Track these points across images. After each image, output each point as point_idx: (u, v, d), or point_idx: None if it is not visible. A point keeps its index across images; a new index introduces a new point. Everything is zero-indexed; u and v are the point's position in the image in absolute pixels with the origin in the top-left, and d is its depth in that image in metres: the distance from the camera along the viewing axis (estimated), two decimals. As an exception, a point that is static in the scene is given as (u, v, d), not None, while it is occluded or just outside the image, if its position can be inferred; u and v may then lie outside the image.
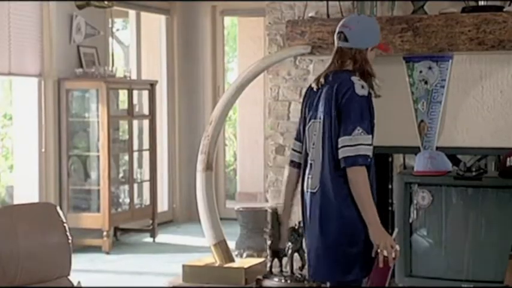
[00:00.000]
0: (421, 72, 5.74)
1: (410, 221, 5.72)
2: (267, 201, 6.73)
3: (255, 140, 10.77)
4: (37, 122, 7.83)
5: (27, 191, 7.81)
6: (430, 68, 5.73)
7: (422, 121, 5.78)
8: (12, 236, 4.10)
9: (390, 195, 5.96)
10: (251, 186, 10.85)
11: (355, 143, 3.74)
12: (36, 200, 7.68)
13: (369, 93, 3.86)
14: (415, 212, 5.74)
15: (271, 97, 6.38)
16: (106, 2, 8.20)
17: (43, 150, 7.85)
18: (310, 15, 5.97)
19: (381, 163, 6.10)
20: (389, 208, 5.97)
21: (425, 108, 5.76)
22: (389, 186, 5.93)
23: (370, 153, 3.79)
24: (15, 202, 7.79)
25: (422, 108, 5.77)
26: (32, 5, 7.68)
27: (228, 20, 10.93)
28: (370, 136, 3.81)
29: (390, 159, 6.04)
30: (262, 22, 8.73)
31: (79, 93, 8.17)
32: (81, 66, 8.16)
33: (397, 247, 3.69)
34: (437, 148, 5.77)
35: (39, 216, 4.33)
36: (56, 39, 7.90)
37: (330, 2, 5.87)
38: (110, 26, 8.88)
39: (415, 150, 5.83)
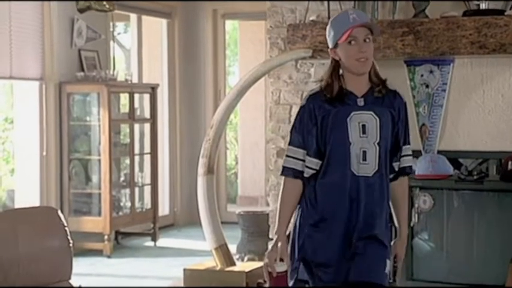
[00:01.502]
0: (422, 75, 5.74)
1: (412, 224, 5.72)
2: (268, 205, 6.73)
3: (256, 144, 10.77)
4: (38, 126, 7.83)
5: (28, 194, 7.80)
6: (431, 71, 5.73)
7: (423, 125, 5.77)
8: (13, 240, 4.10)
9: (391, 198, 5.95)
10: (252, 190, 10.85)
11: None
12: (37, 203, 7.67)
13: (307, 104, 3.62)
14: (416, 215, 5.74)
15: (272, 101, 6.38)
16: (107, 6, 8.21)
17: (44, 153, 7.85)
18: (311, 18, 5.98)
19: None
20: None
21: (426, 112, 5.76)
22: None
23: (290, 165, 3.64)
24: (16, 206, 7.79)
25: (423, 111, 5.77)
26: (33, 9, 7.69)
27: (229, 24, 10.94)
28: (293, 148, 3.65)
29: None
30: (264, 26, 8.72)
31: (80, 97, 8.17)
32: (83, 69, 8.16)
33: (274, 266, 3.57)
34: (438, 152, 5.76)
35: (40, 220, 4.33)
36: (57, 43, 7.90)
37: (331, 6, 5.87)
38: (111, 29, 8.88)
39: (416, 154, 5.81)
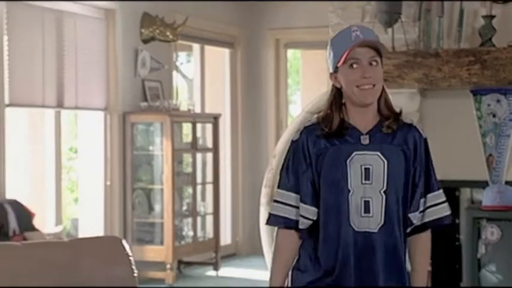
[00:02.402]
0: (489, 105, 5.65)
1: (479, 256, 5.61)
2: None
3: (318, 173, 10.70)
4: (102, 155, 7.90)
5: (92, 223, 7.87)
6: (498, 101, 5.64)
7: (490, 155, 5.68)
8: (77, 270, 4.11)
9: (457, 230, 5.87)
10: (314, 219, 10.77)
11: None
12: (100, 232, 7.73)
13: (300, 138, 2.98)
14: (483, 247, 5.64)
15: (335, 130, 6.32)
16: (171, 36, 8.27)
17: (108, 183, 7.91)
18: (375, 48, 5.93)
19: (447, 197, 6.02)
20: (457, 243, 5.88)
21: (493, 142, 5.66)
22: (457, 221, 5.84)
23: (280, 213, 3.00)
24: (80, 234, 7.85)
25: (490, 142, 5.68)
26: (98, 40, 7.79)
27: (290, 53, 10.95)
28: (283, 191, 3.00)
29: (457, 193, 5.95)
30: (326, 55, 8.69)
31: (143, 127, 8.23)
32: (146, 99, 8.23)
33: None
34: (506, 182, 5.66)
35: (105, 249, 4.33)
36: (122, 74, 7.98)
37: (395, 35, 5.83)
38: (174, 59, 8.95)
39: (483, 185, 5.73)
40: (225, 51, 9.89)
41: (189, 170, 8.68)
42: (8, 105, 6.76)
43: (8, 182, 6.69)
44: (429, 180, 2.99)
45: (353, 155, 2.90)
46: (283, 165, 3.01)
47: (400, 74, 5.70)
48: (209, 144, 8.99)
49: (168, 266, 8.02)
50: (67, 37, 7.39)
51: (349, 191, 2.89)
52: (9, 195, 6.66)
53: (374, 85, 2.90)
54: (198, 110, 9.18)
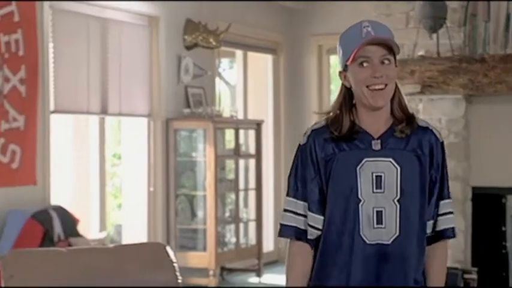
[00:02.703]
0: (536, 111, 5.59)
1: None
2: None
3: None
4: (146, 162, 7.93)
5: (135, 229, 7.89)
6: (545, 106, 5.58)
7: (536, 162, 5.61)
8: (122, 276, 4.12)
9: (504, 237, 5.80)
10: (357, 226, 10.71)
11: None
12: (144, 238, 7.75)
13: (308, 142, 2.83)
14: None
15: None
16: (214, 43, 8.29)
17: (151, 189, 7.93)
18: (419, 54, 5.90)
19: (493, 205, 5.96)
20: (503, 251, 5.81)
21: (540, 148, 5.60)
22: (503, 229, 5.77)
23: (290, 223, 2.80)
24: (124, 240, 7.88)
25: (537, 148, 5.61)
26: (141, 47, 7.82)
27: (333, 59, 10.91)
28: (292, 199, 2.80)
29: (504, 200, 5.88)
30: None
31: (187, 133, 8.25)
32: (189, 106, 8.25)
33: None
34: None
35: (149, 256, 4.35)
36: (165, 80, 8.01)
37: (441, 40, 5.78)
38: (217, 66, 8.96)
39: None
40: (268, 58, 9.89)
41: (232, 176, 8.68)
42: (53, 112, 6.81)
43: (53, 188, 6.75)
44: (443, 186, 2.77)
45: (363, 161, 2.69)
46: (290, 171, 2.82)
47: (445, 79, 5.66)
48: (252, 150, 8.99)
49: (211, 272, 8.03)
50: (111, 44, 7.44)
51: (360, 200, 2.68)
52: (54, 201, 6.71)
53: (386, 85, 2.69)
54: (240, 116, 9.19)
